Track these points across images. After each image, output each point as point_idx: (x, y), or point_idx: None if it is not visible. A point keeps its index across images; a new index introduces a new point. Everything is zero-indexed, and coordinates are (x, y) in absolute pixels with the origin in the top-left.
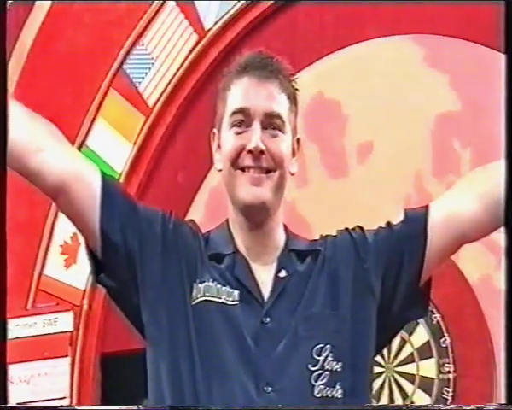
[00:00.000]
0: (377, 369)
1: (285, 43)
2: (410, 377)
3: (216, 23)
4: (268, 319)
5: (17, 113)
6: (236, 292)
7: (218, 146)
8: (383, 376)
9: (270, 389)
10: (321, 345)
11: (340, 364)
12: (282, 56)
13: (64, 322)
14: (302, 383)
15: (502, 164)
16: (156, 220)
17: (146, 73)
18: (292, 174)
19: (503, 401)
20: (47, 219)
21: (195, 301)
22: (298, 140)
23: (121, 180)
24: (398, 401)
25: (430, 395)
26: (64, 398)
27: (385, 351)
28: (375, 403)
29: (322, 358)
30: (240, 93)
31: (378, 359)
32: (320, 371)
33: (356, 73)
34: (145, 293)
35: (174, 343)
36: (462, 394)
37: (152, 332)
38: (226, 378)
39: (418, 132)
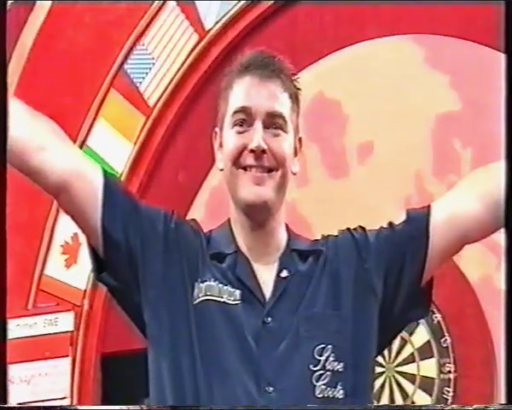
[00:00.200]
0: (378, 369)
1: (285, 43)
2: (411, 377)
3: (216, 23)
4: (269, 319)
5: (19, 111)
6: (238, 292)
7: (220, 145)
8: (384, 376)
9: (271, 389)
10: (322, 345)
11: (341, 364)
12: (283, 56)
13: (65, 322)
14: (303, 383)
15: (503, 164)
16: (158, 219)
17: (146, 73)
18: (294, 174)
19: (503, 400)
20: (48, 220)
21: (197, 301)
22: (300, 139)
23: (122, 180)
24: (399, 400)
25: (431, 395)
26: (64, 398)
27: (385, 351)
28: (375, 403)
29: (323, 358)
30: (242, 92)
31: (379, 359)
32: (321, 372)
33: (356, 73)
34: (146, 292)
35: (175, 342)
36: (463, 394)
37: (153, 331)
38: (227, 378)
39: (419, 132)
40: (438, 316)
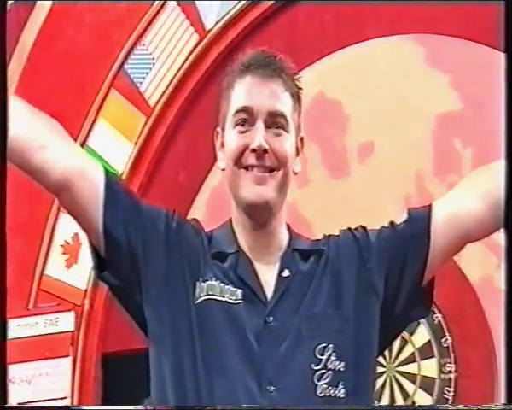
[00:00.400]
0: (378, 369)
1: (286, 43)
2: (412, 377)
3: (217, 23)
4: (271, 319)
5: (20, 109)
6: (239, 291)
7: (222, 145)
8: (384, 375)
9: (272, 388)
10: (324, 344)
11: (342, 363)
12: (283, 56)
13: (65, 322)
14: (305, 382)
15: (504, 163)
16: (159, 219)
17: (147, 73)
18: (295, 173)
19: (502, 400)
20: (48, 219)
21: (198, 300)
22: (301, 139)
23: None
24: (400, 400)
25: (431, 395)
26: (65, 398)
27: (386, 351)
28: (376, 403)
29: (324, 357)
30: (243, 92)
31: (379, 358)
32: (323, 371)
33: (357, 73)
34: (148, 291)
35: (177, 342)
36: (464, 394)
37: (155, 330)
38: (229, 377)
39: (419, 132)
40: (438, 316)
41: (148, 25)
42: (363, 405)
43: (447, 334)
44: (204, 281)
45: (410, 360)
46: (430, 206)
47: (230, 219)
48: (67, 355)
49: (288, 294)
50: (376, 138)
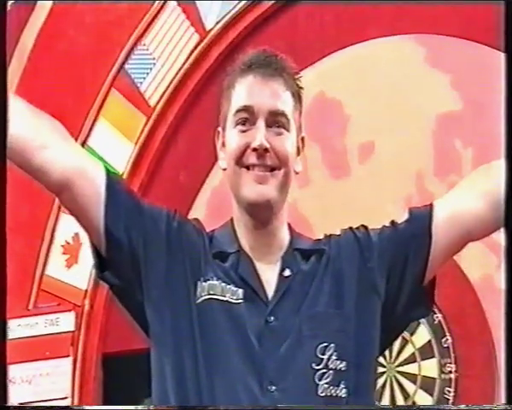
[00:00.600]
0: (379, 369)
1: (286, 43)
2: (412, 377)
3: (217, 23)
4: (272, 318)
5: (20, 109)
6: (241, 291)
7: (223, 144)
8: (385, 376)
9: (273, 388)
10: (325, 344)
11: (344, 363)
12: (284, 55)
13: (66, 322)
14: (306, 382)
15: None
16: (161, 219)
17: (147, 73)
18: (296, 173)
19: (503, 400)
20: (48, 220)
21: (200, 300)
22: (303, 139)
23: None
24: (400, 401)
25: (432, 395)
26: (66, 398)
27: (387, 351)
28: (376, 403)
29: (326, 357)
30: (244, 91)
31: (380, 359)
32: (324, 371)
33: (357, 73)
34: (149, 291)
35: (178, 342)
36: (464, 394)
37: (156, 330)
38: (230, 377)
39: (420, 132)
40: (439, 316)
41: (149, 25)
42: (365, 405)
43: (447, 334)
44: (205, 281)
45: (411, 360)
46: (431, 205)
47: (232, 219)
48: (68, 355)
49: (290, 293)
50: (377, 138)
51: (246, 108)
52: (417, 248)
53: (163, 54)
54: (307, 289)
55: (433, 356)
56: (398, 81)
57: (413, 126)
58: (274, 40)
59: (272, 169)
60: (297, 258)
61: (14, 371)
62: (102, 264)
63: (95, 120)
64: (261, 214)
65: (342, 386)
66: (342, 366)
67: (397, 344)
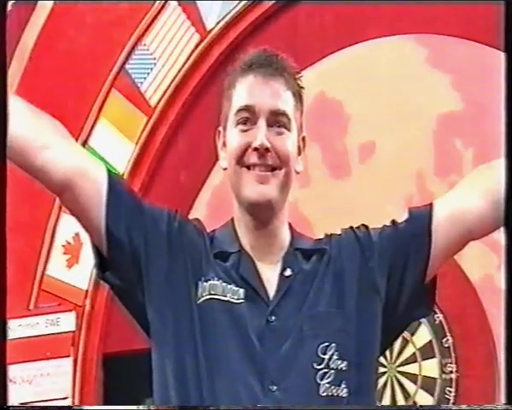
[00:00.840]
0: (380, 369)
1: (286, 43)
2: (413, 377)
3: (218, 23)
4: (273, 318)
5: (22, 109)
6: (242, 290)
7: (224, 144)
8: (385, 376)
9: (275, 387)
10: (326, 344)
11: (345, 362)
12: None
13: (66, 322)
14: (307, 381)
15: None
16: (161, 219)
17: (148, 73)
18: (297, 173)
19: (503, 400)
20: (49, 220)
21: (201, 300)
22: (303, 138)
23: None
24: (401, 401)
25: (432, 395)
26: (66, 398)
27: (387, 351)
28: (377, 403)
29: (327, 356)
30: (245, 91)
31: (381, 359)
32: (325, 370)
33: (358, 73)
34: (150, 291)
35: (179, 342)
36: (465, 394)
37: (157, 331)
38: (231, 377)
39: (420, 132)
40: (439, 316)
41: (149, 25)
42: (366, 405)
43: (448, 334)
44: (206, 281)
45: (411, 360)
46: (431, 205)
47: (232, 219)
48: (68, 355)
49: (291, 293)
50: (377, 138)
51: (247, 108)
52: (417, 247)
53: (163, 54)
54: (308, 288)
55: (433, 356)
56: (398, 81)
57: (414, 126)
58: (274, 40)
59: (273, 169)
60: (298, 258)
61: (14, 371)
62: (103, 264)
63: (95, 120)
64: (262, 214)
65: (343, 386)
66: (343, 365)
67: (397, 344)
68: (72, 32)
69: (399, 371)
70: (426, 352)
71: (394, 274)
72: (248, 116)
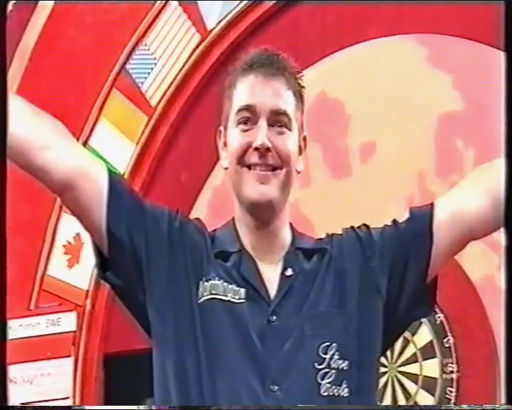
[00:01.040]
0: (380, 369)
1: (287, 43)
2: (414, 377)
3: (218, 23)
4: (274, 318)
5: (22, 109)
6: (243, 290)
7: (225, 144)
8: (386, 376)
9: (276, 387)
10: (327, 343)
11: (346, 362)
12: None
13: (67, 322)
14: (308, 381)
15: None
16: (162, 219)
17: (149, 73)
18: (298, 172)
19: (503, 400)
20: (50, 219)
21: (202, 300)
22: (304, 138)
23: None
24: (402, 400)
25: (433, 395)
26: (67, 398)
27: (388, 351)
28: (378, 403)
29: (328, 356)
30: (246, 90)
31: (381, 359)
32: (326, 370)
33: (359, 73)
34: (151, 291)
35: (180, 342)
36: (466, 394)
37: (158, 331)
38: (232, 376)
39: (421, 132)
40: (440, 316)
41: (150, 25)
42: (367, 405)
43: (449, 334)
44: (207, 280)
45: (412, 360)
46: (432, 204)
47: (233, 219)
48: (69, 355)
49: (292, 293)
50: (378, 138)
51: (247, 108)
52: (419, 247)
53: (164, 54)
54: (309, 288)
55: (434, 356)
56: (399, 81)
57: (414, 126)
58: (275, 40)
59: (274, 169)
60: (299, 257)
61: (15, 371)
62: (104, 264)
63: (96, 120)
64: (263, 214)
65: (344, 386)
66: (344, 365)
67: (398, 344)
68: (73, 32)
69: (400, 371)
70: (427, 352)
71: (395, 274)
72: (249, 116)
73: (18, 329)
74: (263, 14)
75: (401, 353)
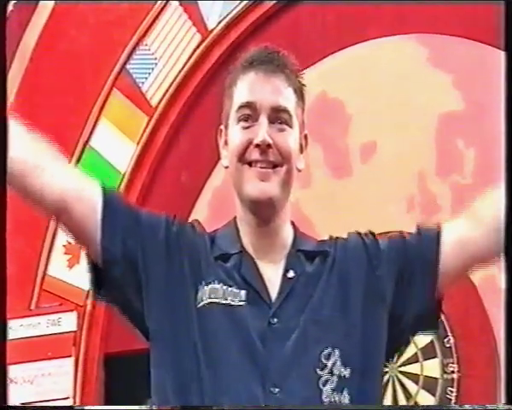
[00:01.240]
0: None
1: (288, 42)
2: (414, 377)
3: (219, 23)
4: (275, 320)
5: (16, 132)
6: (243, 292)
7: (225, 142)
8: (387, 376)
9: (276, 390)
10: (329, 349)
11: (348, 370)
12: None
13: (68, 322)
14: (309, 385)
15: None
16: (159, 226)
17: (149, 73)
18: (299, 170)
19: (503, 400)
20: (50, 220)
21: (201, 304)
22: (305, 136)
23: (124, 180)
24: (402, 401)
25: (434, 395)
26: (67, 398)
27: None
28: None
29: (330, 363)
30: (246, 88)
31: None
32: (328, 377)
33: (359, 73)
34: (150, 299)
35: (179, 347)
36: (467, 394)
37: (157, 337)
38: (232, 379)
39: (422, 132)
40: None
41: (151, 25)
42: (369, 405)
43: (450, 334)
44: (206, 284)
45: (413, 360)
46: (439, 227)
47: (235, 218)
48: (70, 355)
49: (293, 295)
50: (379, 138)
51: (248, 105)
52: (424, 269)
53: (165, 54)
54: (311, 291)
55: (435, 356)
56: (399, 81)
57: (415, 126)
58: (276, 40)
59: (275, 166)
60: (301, 259)
61: (15, 371)
62: (100, 280)
63: (96, 120)
64: (264, 212)
65: (346, 393)
66: (346, 372)
67: None
68: (74, 32)
69: (401, 371)
70: (427, 352)
71: (400, 288)
72: (250, 113)
73: (18, 329)
74: (263, 14)
75: (402, 353)
